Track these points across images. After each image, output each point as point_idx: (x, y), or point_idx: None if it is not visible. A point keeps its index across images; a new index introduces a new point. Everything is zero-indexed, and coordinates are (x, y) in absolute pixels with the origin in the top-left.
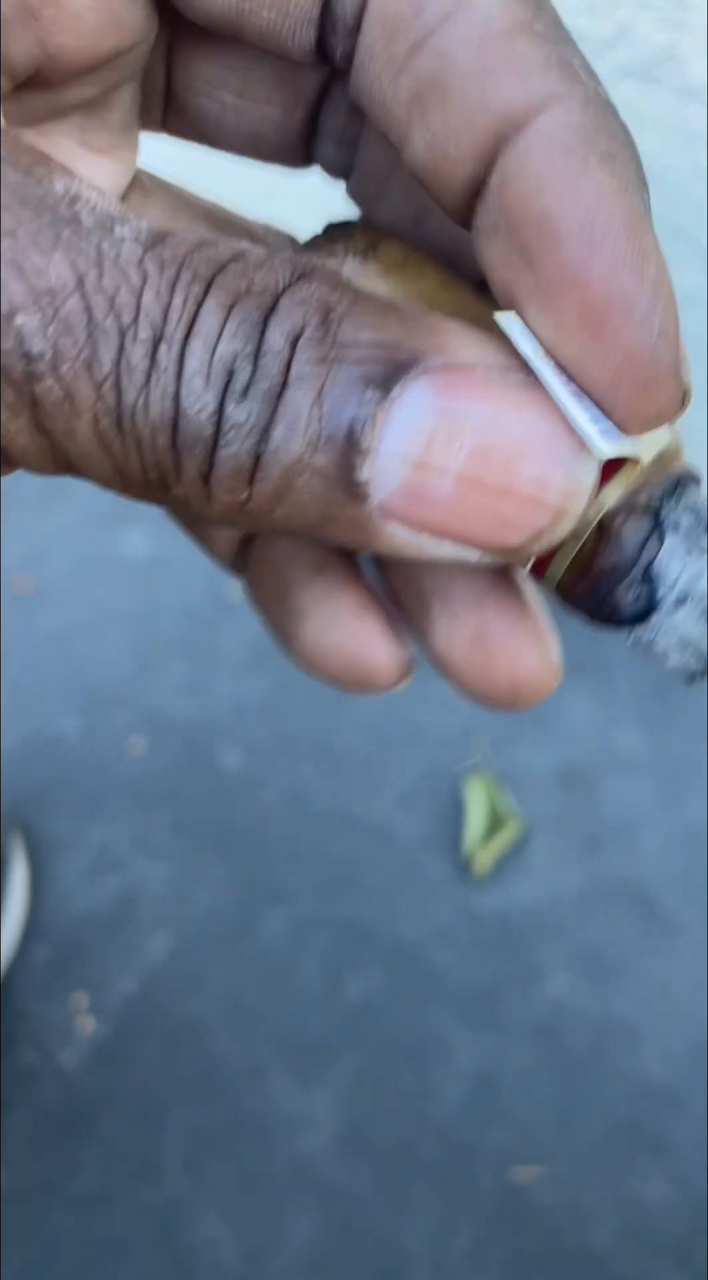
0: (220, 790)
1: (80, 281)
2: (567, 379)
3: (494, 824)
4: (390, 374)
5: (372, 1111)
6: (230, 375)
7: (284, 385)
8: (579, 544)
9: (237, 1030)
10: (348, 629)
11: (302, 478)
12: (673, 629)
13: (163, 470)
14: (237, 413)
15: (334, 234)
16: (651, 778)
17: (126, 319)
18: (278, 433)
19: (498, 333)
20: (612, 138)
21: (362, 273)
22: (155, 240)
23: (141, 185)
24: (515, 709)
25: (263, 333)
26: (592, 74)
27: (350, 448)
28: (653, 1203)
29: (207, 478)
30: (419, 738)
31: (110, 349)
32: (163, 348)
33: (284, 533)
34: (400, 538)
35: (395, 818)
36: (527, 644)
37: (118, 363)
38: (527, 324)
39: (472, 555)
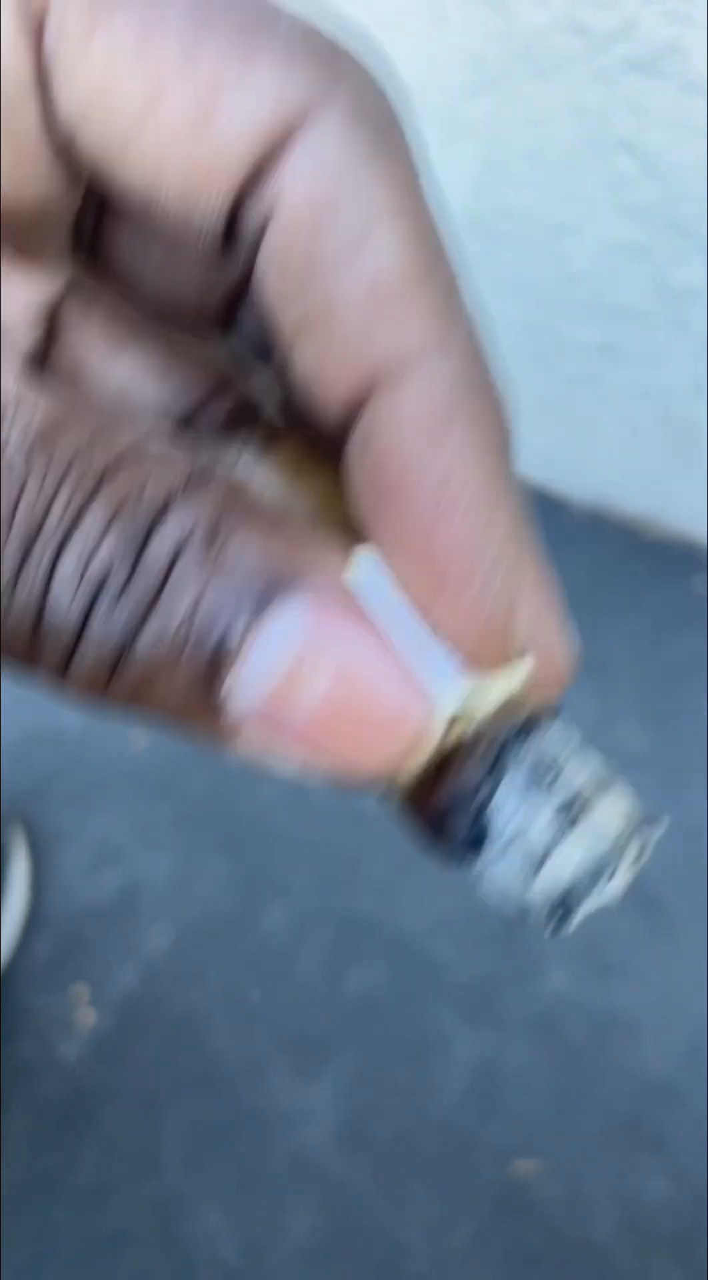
0: (221, 783)
1: None
2: (417, 619)
3: None
4: (268, 591)
5: (371, 1105)
6: (103, 581)
7: (159, 591)
8: (424, 768)
9: (237, 1023)
10: None
11: (162, 680)
12: (498, 871)
13: (20, 653)
14: (103, 614)
15: (242, 423)
16: (652, 774)
17: (4, 514)
18: (145, 638)
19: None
20: (482, 398)
21: (256, 467)
22: (46, 437)
23: (82, 294)
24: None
25: (145, 541)
26: (473, 336)
27: (216, 661)
28: (652, 1197)
29: (64, 670)
30: None
31: None
32: (38, 547)
33: (134, 719)
34: (253, 743)
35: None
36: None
37: None
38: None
39: (318, 773)
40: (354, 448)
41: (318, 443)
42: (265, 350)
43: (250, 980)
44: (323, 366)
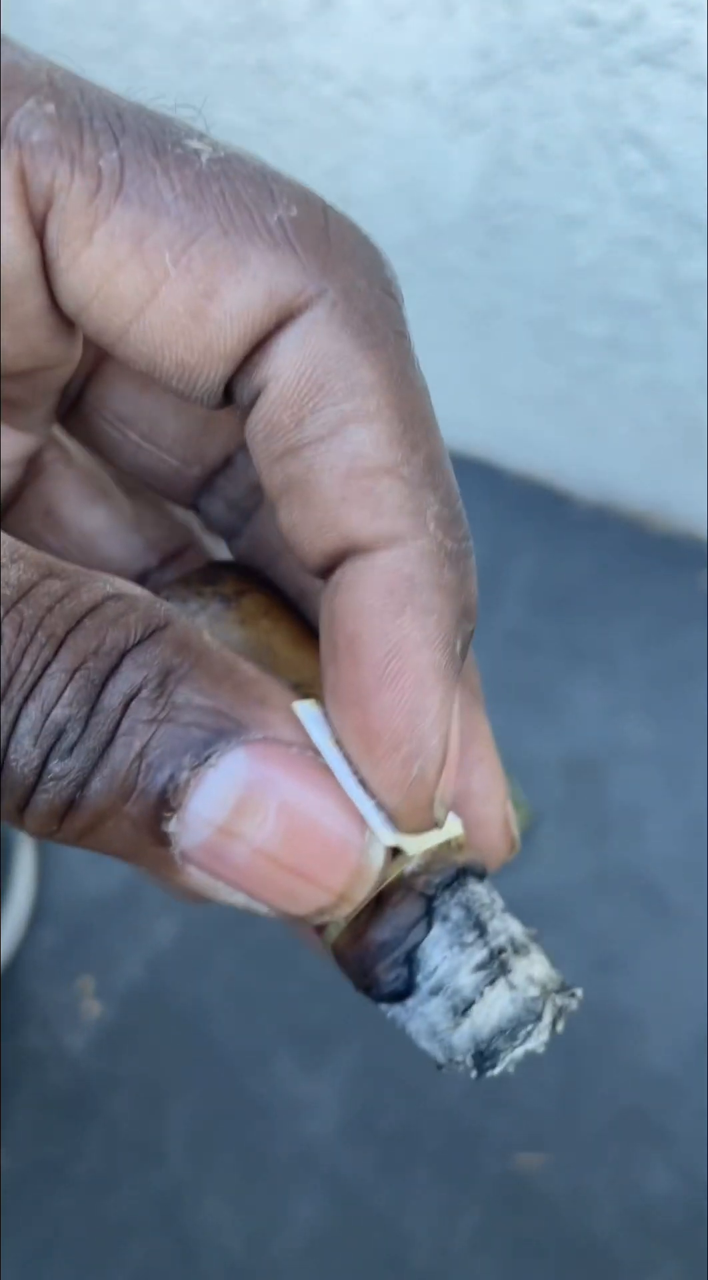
0: None
1: None
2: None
3: None
4: (211, 740)
5: (376, 1098)
6: (60, 735)
7: (110, 741)
8: (354, 916)
9: (241, 1015)
10: None
11: (111, 821)
12: (423, 1017)
13: None
14: (58, 767)
15: (210, 575)
16: (658, 767)
17: None
18: (95, 783)
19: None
20: (437, 591)
21: (222, 618)
22: (16, 597)
23: (61, 457)
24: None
25: (100, 693)
26: (449, 523)
27: (161, 804)
28: (656, 1191)
29: (20, 812)
30: None
31: None
32: (7, 698)
33: (90, 849)
34: (198, 880)
35: None
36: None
37: None
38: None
39: (261, 909)
40: (325, 599)
41: (281, 597)
42: (237, 522)
43: (255, 972)
44: (303, 526)
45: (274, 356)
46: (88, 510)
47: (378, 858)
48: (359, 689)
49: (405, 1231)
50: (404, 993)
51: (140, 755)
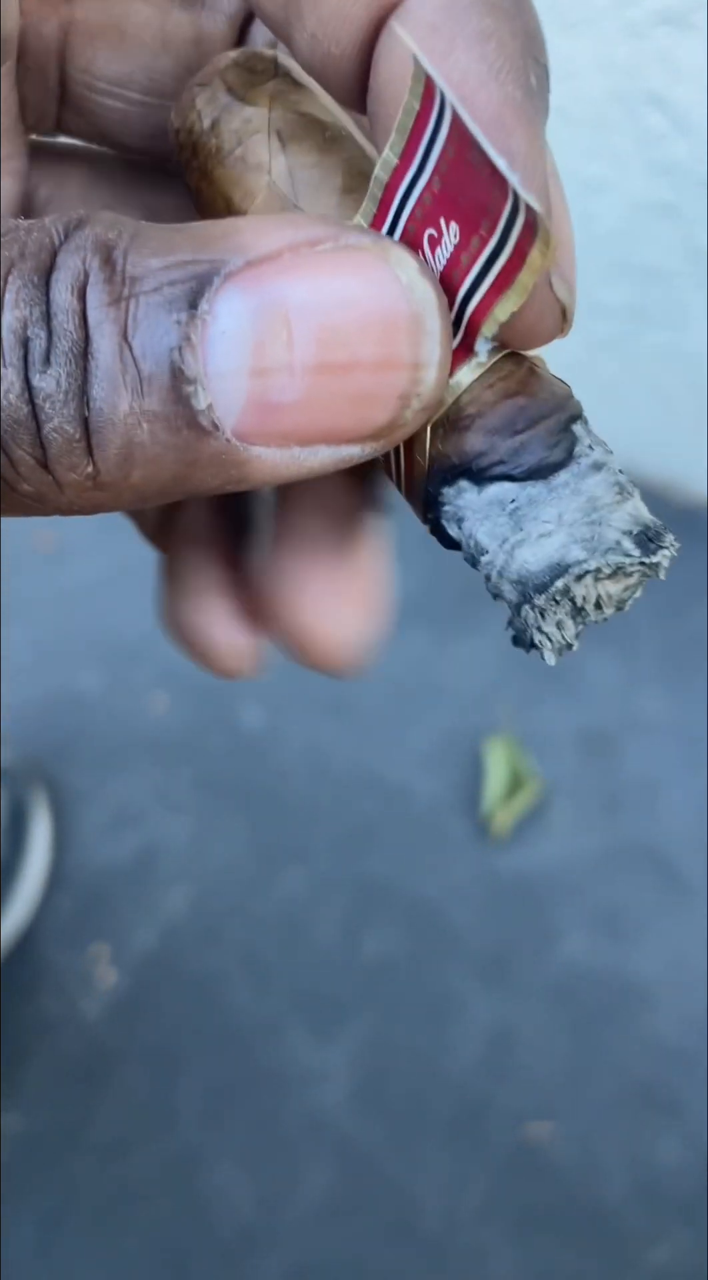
0: (241, 747)
1: None
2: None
3: (514, 785)
4: (194, 290)
5: (387, 1066)
6: (26, 345)
7: (87, 339)
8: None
9: (254, 984)
10: (196, 607)
11: (141, 430)
12: (580, 494)
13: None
14: (44, 382)
15: (253, 76)
16: (672, 740)
17: None
18: (96, 390)
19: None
20: (491, 11)
21: (282, 153)
22: None
23: (59, 168)
24: (335, 676)
25: (47, 293)
26: None
27: (178, 380)
28: (664, 1162)
29: (44, 463)
30: (440, 698)
31: None
32: None
33: (158, 499)
34: (271, 459)
35: (415, 777)
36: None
37: None
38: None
39: (353, 451)
40: (372, 99)
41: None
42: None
43: (268, 942)
44: (324, 32)
45: None
46: (117, 58)
47: (426, 296)
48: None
49: (415, 1199)
50: (560, 464)
51: (125, 338)
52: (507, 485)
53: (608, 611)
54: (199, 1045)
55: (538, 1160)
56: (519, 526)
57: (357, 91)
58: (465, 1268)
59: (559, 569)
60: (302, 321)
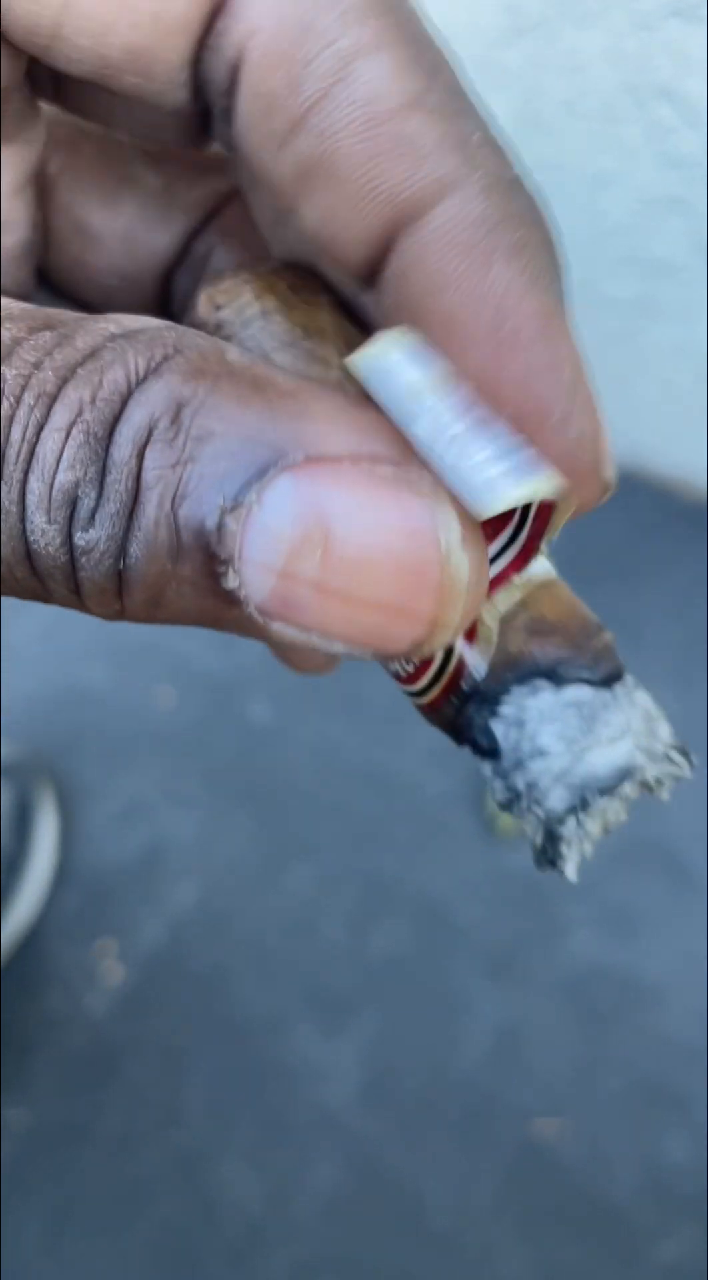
0: (248, 742)
1: None
2: (471, 406)
3: None
4: (247, 473)
5: (395, 1062)
6: (74, 504)
7: (136, 499)
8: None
9: (261, 980)
10: None
11: (170, 588)
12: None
13: (36, 591)
14: (83, 540)
15: (239, 273)
16: (683, 735)
17: None
18: (134, 549)
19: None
20: (519, 224)
21: (259, 313)
22: (7, 349)
23: (67, 153)
24: None
25: (108, 448)
26: (495, 149)
27: (211, 558)
28: (672, 1158)
29: (78, 594)
30: None
31: None
32: (3, 489)
33: (176, 624)
34: (290, 634)
35: (423, 773)
36: None
37: None
38: (430, 342)
39: (365, 655)
40: (388, 294)
41: (310, 277)
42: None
43: (275, 937)
44: (336, 217)
45: (243, 9)
46: (116, 209)
47: (459, 567)
48: (481, 371)
49: (423, 1195)
50: (620, 675)
51: (171, 508)
52: (584, 689)
53: (610, 832)
54: (206, 1041)
55: (546, 1157)
56: (591, 730)
57: (361, 272)
58: (473, 1263)
59: (625, 773)
60: (338, 545)
